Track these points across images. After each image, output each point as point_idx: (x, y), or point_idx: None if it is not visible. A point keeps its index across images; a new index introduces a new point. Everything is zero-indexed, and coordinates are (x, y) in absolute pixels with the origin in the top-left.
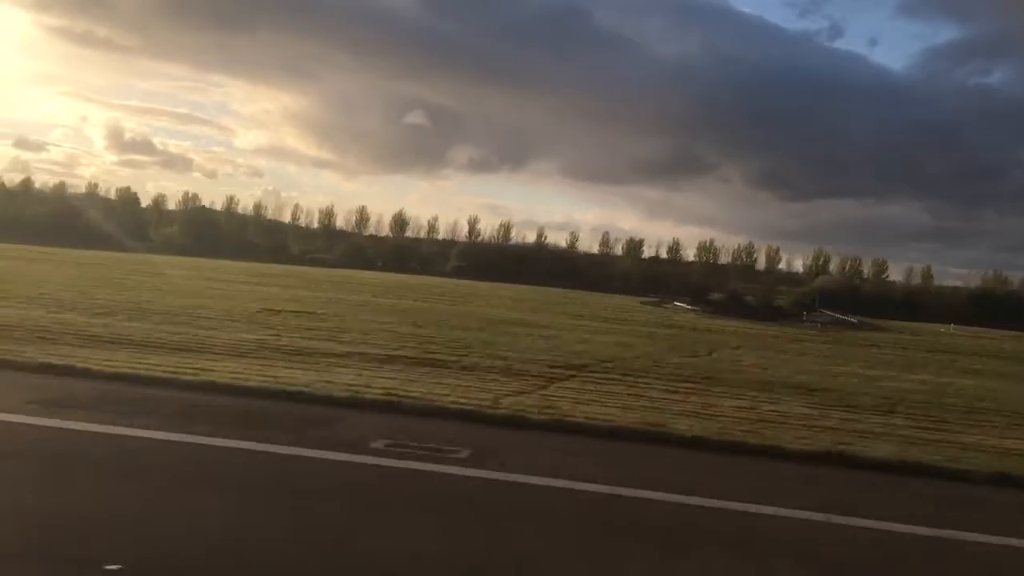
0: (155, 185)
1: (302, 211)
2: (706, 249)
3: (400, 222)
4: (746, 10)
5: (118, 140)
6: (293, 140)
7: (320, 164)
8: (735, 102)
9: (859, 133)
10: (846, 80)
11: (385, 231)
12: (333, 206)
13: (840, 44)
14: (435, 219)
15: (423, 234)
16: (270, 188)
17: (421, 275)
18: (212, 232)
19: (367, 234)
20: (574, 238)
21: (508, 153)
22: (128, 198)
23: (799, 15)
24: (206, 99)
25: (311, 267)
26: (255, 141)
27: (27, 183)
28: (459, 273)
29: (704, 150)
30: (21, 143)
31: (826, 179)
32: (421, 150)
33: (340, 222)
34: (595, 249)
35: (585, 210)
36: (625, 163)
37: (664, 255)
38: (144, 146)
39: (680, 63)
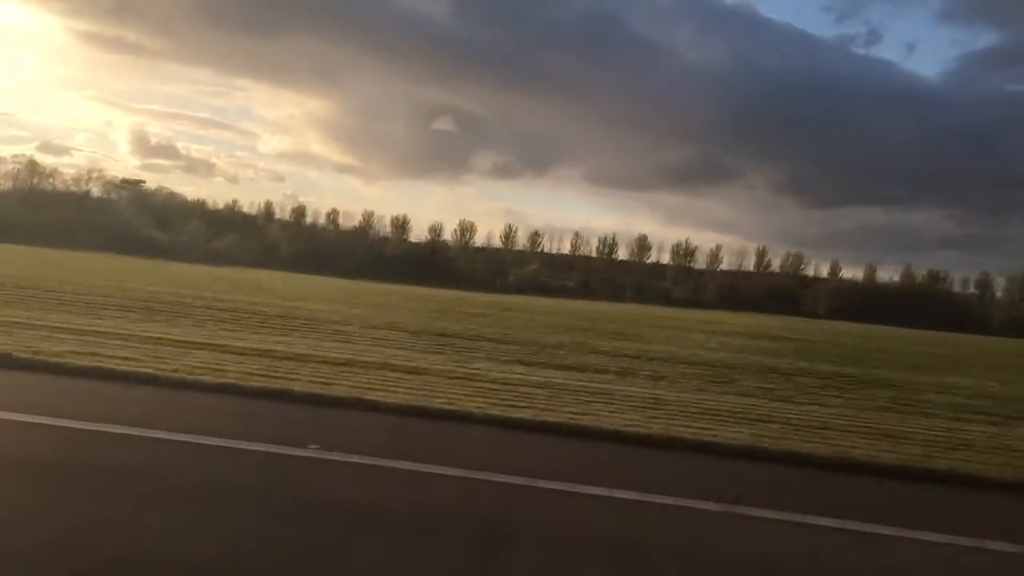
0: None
1: (543, 237)
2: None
3: (641, 247)
4: (774, 16)
5: (141, 145)
6: (317, 145)
7: (342, 169)
8: (762, 109)
9: (888, 140)
10: (876, 86)
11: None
12: (602, 235)
13: (877, 50)
14: (717, 248)
15: (658, 258)
16: (288, 192)
17: (825, 320)
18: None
19: (650, 262)
20: (872, 269)
21: (531, 159)
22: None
23: (836, 21)
24: (229, 104)
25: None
26: (279, 146)
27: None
28: (832, 314)
29: (729, 156)
30: (45, 147)
31: (852, 186)
32: (444, 155)
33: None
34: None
35: (603, 216)
36: (649, 169)
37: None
38: (167, 150)
39: (708, 70)
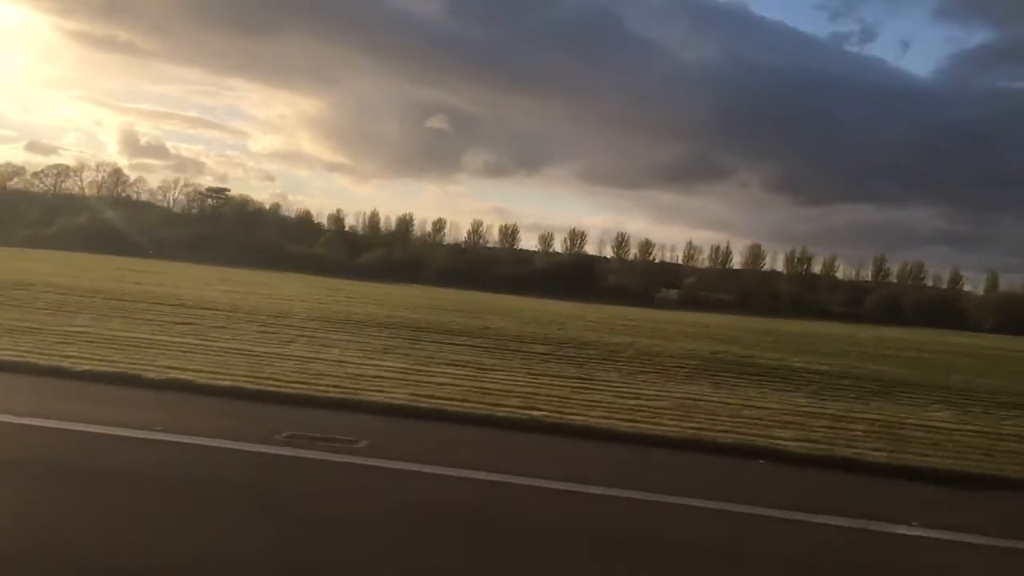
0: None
1: (654, 246)
2: None
3: (755, 256)
4: (767, 14)
5: (130, 144)
6: (308, 144)
7: (333, 168)
8: (755, 107)
9: (882, 138)
10: (870, 84)
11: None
12: (722, 245)
13: (871, 48)
14: (834, 258)
15: (773, 266)
16: (278, 191)
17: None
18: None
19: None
20: (994, 276)
21: (524, 158)
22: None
23: (830, 18)
24: (219, 103)
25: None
26: (270, 145)
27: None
28: (1002, 328)
29: (722, 154)
30: (33, 147)
31: (845, 184)
32: (437, 154)
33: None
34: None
35: (594, 214)
36: (641, 167)
37: None
38: (156, 150)
39: (701, 67)
